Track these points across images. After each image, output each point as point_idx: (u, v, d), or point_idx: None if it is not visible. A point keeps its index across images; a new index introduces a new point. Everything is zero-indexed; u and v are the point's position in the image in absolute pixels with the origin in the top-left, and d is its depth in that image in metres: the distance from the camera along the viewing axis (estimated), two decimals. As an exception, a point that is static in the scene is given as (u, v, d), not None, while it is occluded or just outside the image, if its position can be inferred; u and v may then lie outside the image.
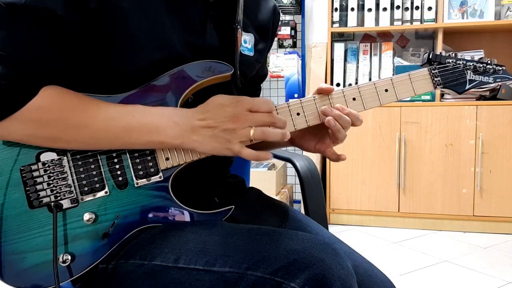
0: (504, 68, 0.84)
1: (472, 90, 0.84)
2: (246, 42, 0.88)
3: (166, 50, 0.74)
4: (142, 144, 0.71)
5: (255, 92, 1.04)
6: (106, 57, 0.72)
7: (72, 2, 0.67)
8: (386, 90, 0.81)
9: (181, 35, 0.76)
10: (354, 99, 0.80)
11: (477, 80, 0.83)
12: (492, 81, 0.84)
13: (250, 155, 0.71)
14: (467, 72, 0.83)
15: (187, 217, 0.75)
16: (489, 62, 0.84)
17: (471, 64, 0.83)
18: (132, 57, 0.73)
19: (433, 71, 0.82)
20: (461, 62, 0.83)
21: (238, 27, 0.81)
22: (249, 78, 0.92)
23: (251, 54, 0.89)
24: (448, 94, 2.72)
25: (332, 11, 3.01)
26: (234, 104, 0.70)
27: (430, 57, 0.83)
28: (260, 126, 0.70)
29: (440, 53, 0.83)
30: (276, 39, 3.18)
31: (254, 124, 0.70)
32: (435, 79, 0.82)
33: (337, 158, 0.84)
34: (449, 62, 0.82)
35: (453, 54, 0.84)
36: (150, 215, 0.74)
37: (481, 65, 0.83)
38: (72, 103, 0.69)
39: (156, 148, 0.72)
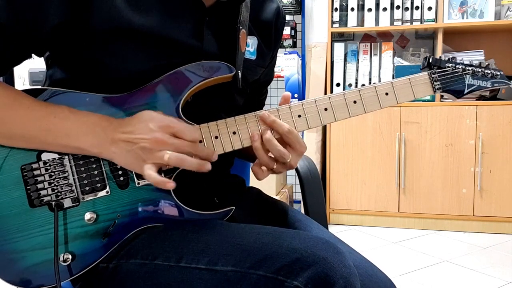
0: (502, 73, 0.85)
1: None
2: (249, 45, 0.87)
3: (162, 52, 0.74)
4: (60, 147, 0.70)
5: (259, 96, 1.03)
6: (101, 57, 0.73)
7: (19, 18, 0.67)
8: (387, 94, 0.81)
9: (176, 38, 0.76)
10: (355, 102, 0.80)
11: (475, 85, 0.84)
12: (490, 86, 0.85)
13: (150, 178, 0.69)
14: (465, 77, 0.84)
15: (187, 217, 0.75)
16: (487, 66, 0.84)
17: (470, 68, 0.84)
18: (131, 59, 0.73)
19: (433, 75, 0.82)
20: (460, 67, 0.84)
21: (241, 27, 0.81)
22: (251, 82, 0.91)
23: (253, 57, 0.88)
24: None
25: (332, 11, 3.01)
26: (160, 125, 0.68)
27: (430, 61, 0.84)
28: (179, 152, 0.69)
29: (440, 57, 0.84)
30: (276, 39, 3.17)
31: (173, 150, 0.68)
32: (435, 83, 0.82)
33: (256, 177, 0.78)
34: (448, 67, 0.83)
35: (452, 58, 0.85)
36: (151, 215, 0.74)
37: (479, 70, 0.84)
38: None
39: (74, 153, 0.71)
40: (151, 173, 0.68)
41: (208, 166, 0.71)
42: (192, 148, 0.70)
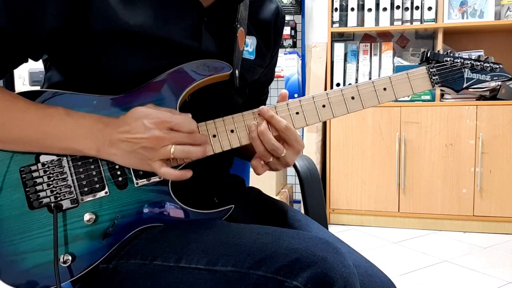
0: (501, 66, 0.85)
1: (471, 89, 0.85)
2: (248, 45, 0.87)
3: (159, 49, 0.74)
4: (59, 149, 0.70)
5: (260, 97, 1.03)
6: (98, 58, 0.73)
7: (18, 20, 0.67)
8: (385, 89, 0.80)
9: (175, 39, 0.75)
10: (352, 98, 0.79)
11: (474, 78, 0.84)
12: (490, 79, 0.84)
13: (168, 175, 0.70)
14: (464, 71, 0.83)
15: (187, 217, 0.75)
16: (486, 60, 0.84)
17: (468, 62, 0.83)
18: (127, 59, 0.73)
19: (431, 70, 0.82)
20: (458, 61, 0.83)
21: (239, 26, 0.81)
22: (251, 82, 0.91)
23: (252, 57, 0.88)
24: (448, 94, 2.72)
25: (332, 11, 3.01)
26: (156, 121, 0.68)
27: (428, 55, 0.83)
28: (180, 145, 0.69)
29: (438, 51, 0.83)
30: (276, 39, 3.17)
31: (174, 143, 0.68)
32: (433, 77, 0.82)
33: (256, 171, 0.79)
34: (447, 61, 0.82)
35: (451, 52, 0.84)
36: (150, 215, 0.74)
37: (478, 63, 0.83)
38: None
39: (73, 154, 0.71)
40: (167, 170, 0.69)
41: (210, 149, 0.73)
42: (191, 138, 0.71)
